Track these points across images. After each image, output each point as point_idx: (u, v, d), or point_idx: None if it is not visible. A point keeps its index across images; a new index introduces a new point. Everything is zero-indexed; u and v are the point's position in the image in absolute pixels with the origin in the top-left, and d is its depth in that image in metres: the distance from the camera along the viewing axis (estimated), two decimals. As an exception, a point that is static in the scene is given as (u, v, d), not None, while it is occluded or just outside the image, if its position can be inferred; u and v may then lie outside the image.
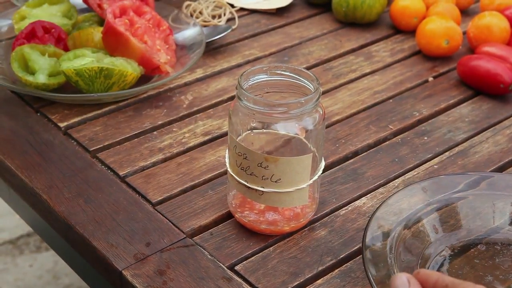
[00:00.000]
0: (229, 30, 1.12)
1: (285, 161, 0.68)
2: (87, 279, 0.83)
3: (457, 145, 0.90)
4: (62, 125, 0.91)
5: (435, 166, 0.86)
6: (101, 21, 1.04)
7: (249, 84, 0.69)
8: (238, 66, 1.07)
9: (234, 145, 0.70)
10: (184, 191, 0.80)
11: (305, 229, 0.75)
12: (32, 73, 0.94)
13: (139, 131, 0.90)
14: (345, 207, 0.79)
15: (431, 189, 0.76)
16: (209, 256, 0.71)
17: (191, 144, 0.88)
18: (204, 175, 0.83)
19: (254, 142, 0.70)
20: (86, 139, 0.88)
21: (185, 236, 0.74)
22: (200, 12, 1.21)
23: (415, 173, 0.85)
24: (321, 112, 0.70)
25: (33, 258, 1.86)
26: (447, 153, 0.89)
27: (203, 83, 1.02)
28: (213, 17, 1.20)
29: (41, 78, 0.93)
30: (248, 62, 1.08)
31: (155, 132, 0.90)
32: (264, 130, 0.68)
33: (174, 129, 0.91)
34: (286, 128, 0.68)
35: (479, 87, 1.02)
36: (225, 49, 1.10)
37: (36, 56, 0.95)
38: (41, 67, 0.94)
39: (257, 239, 0.74)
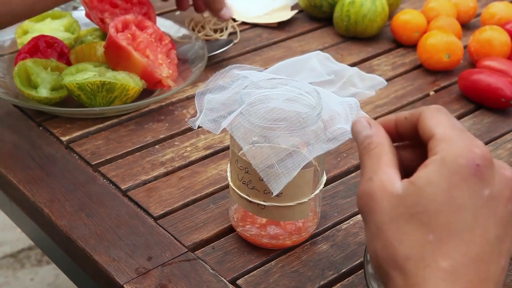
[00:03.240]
0: (231, 44, 1.12)
1: (287, 175, 0.68)
2: (89, 293, 0.82)
3: (458, 159, 0.90)
4: (64, 139, 0.91)
5: (436, 180, 0.86)
6: (103, 36, 1.05)
7: (251, 98, 0.69)
8: (240, 80, 1.07)
9: (236, 159, 0.70)
10: (186, 205, 0.80)
11: (307, 243, 0.75)
12: (35, 87, 0.95)
13: (141, 145, 0.91)
14: (347, 221, 0.79)
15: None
16: (211, 270, 0.71)
17: (192, 158, 0.88)
18: (205, 189, 0.83)
19: (256, 156, 0.70)
20: (88, 153, 0.88)
21: (186, 250, 0.74)
22: (202, 26, 1.21)
23: (416, 187, 0.85)
24: (323, 126, 0.70)
25: (34, 271, 1.85)
26: (448, 167, 0.88)
27: (205, 97, 1.02)
28: (215, 31, 1.20)
29: (44, 92, 0.93)
30: (249, 76, 1.08)
31: (157, 146, 0.91)
32: (266, 144, 0.68)
33: (176, 143, 0.91)
34: (288, 142, 0.69)
35: (480, 101, 1.02)
36: (227, 63, 1.11)
37: (39, 70, 0.96)
38: (44, 81, 0.94)
39: (259, 253, 0.74)
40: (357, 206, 0.52)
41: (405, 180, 0.50)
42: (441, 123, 0.52)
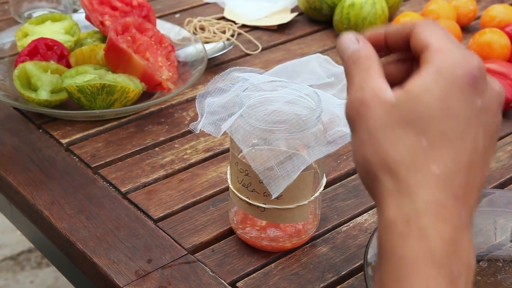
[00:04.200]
0: (231, 47, 1.12)
1: (287, 178, 0.68)
2: (88, 295, 0.82)
3: (458, 161, 0.90)
4: (64, 141, 0.91)
5: (436, 183, 0.86)
6: (103, 38, 1.05)
7: (250, 100, 0.69)
8: (240, 82, 1.07)
9: (236, 162, 0.70)
10: (186, 208, 0.80)
11: (307, 245, 0.75)
12: (35, 89, 0.95)
13: (141, 147, 0.91)
14: (347, 224, 0.79)
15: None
16: (211, 273, 0.71)
17: (192, 161, 0.88)
18: (205, 192, 0.83)
19: (255, 159, 0.70)
20: (88, 156, 0.88)
21: (186, 252, 0.74)
22: (202, 29, 1.21)
23: (416, 189, 0.84)
24: (323, 128, 0.70)
25: (34, 274, 1.85)
26: (448, 170, 0.88)
27: (204, 99, 1.02)
28: (215, 33, 1.20)
29: (44, 94, 0.93)
30: (249, 78, 1.08)
31: (156, 149, 0.91)
32: (266, 147, 0.68)
33: (175, 146, 0.91)
34: (288, 145, 0.69)
35: (480, 103, 1.02)
36: (226, 66, 1.11)
37: (39, 73, 0.96)
38: (44, 83, 0.95)
39: (259, 256, 0.74)
40: (346, 115, 0.52)
41: (397, 89, 0.50)
42: (436, 35, 0.52)
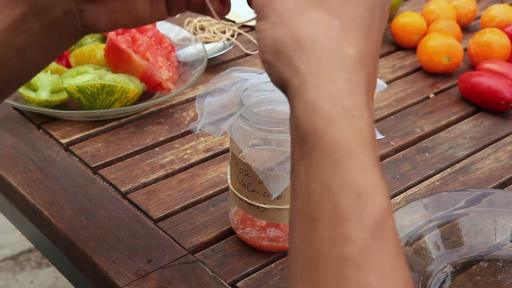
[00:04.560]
0: (231, 47, 1.12)
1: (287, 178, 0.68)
2: (88, 295, 0.82)
3: (458, 161, 0.91)
4: (64, 141, 0.91)
5: (436, 183, 0.86)
6: (103, 38, 1.05)
7: (250, 100, 0.69)
8: (240, 82, 1.07)
9: (236, 162, 0.70)
10: (186, 208, 0.80)
11: (307, 245, 0.75)
12: (34, 90, 0.95)
13: (140, 147, 0.91)
14: (347, 224, 0.79)
15: (433, 205, 0.76)
16: (211, 273, 0.71)
17: (192, 161, 0.88)
18: (205, 192, 0.83)
19: (255, 159, 0.70)
20: (88, 156, 0.88)
21: (186, 252, 0.74)
22: (202, 29, 1.21)
23: (416, 189, 0.85)
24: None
25: (34, 274, 1.85)
26: (448, 170, 0.89)
27: (204, 99, 1.02)
28: (215, 33, 1.20)
29: (43, 94, 0.93)
30: (249, 78, 1.08)
31: (156, 149, 0.91)
32: (266, 147, 0.68)
33: (175, 146, 0.91)
34: (288, 145, 0.68)
35: (480, 103, 1.02)
36: (226, 66, 1.11)
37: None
38: (43, 84, 0.95)
39: (259, 256, 0.74)
40: (254, 2, 0.51)
41: None
42: None
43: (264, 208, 0.70)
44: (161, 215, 0.79)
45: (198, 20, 1.23)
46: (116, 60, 0.97)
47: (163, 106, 0.99)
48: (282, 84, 0.49)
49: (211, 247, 0.75)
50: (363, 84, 0.47)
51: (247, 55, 1.15)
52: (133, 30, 1.00)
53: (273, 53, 0.49)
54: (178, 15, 1.26)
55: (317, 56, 0.47)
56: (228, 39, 1.18)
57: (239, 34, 1.21)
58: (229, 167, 0.73)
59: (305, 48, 0.47)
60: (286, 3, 0.49)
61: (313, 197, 0.45)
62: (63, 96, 0.95)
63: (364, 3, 0.50)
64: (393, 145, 0.93)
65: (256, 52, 1.16)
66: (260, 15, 0.50)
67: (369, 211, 0.44)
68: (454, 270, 0.71)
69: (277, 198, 0.68)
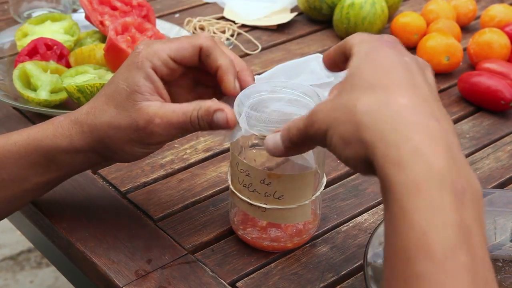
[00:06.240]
0: (230, 47, 1.12)
1: (288, 178, 0.68)
2: (88, 295, 0.82)
3: (458, 161, 0.90)
4: (63, 141, 0.91)
5: (436, 183, 0.86)
6: (103, 38, 1.05)
7: (250, 100, 0.69)
8: (240, 82, 1.07)
9: (236, 162, 0.70)
10: (186, 208, 0.80)
11: (307, 245, 0.75)
12: (34, 89, 0.95)
13: (140, 147, 0.90)
14: (347, 223, 0.79)
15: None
16: (211, 273, 0.71)
17: (192, 160, 0.88)
18: (205, 191, 0.83)
19: (256, 159, 0.70)
20: (88, 156, 0.88)
21: (186, 252, 0.74)
22: (202, 29, 1.21)
23: (416, 189, 0.84)
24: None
25: (33, 274, 1.86)
26: (448, 169, 0.88)
27: (204, 99, 1.02)
28: (214, 33, 1.20)
29: (43, 94, 0.93)
30: (249, 78, 1.08)
31: (156, 149, 0.90)
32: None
33: (175, 145, 0.91)
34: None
35: (480, 103, 1.02)
36: (226, 66, 1.11)
37: (38, 72, 0.96)
38: (43, 83, 0.94)
39: (259, 256, 0.74)
40: (313, 126, 0.56)
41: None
42: (358, 36, 0.59)
43: (265, 208, 0.70)
44: (161, 215, 0.79)
45: (198, 20, 1.23)
46: (116, 60, 0.97)
47: (162, 106, 0.99)
48: (368, 172, 0.52)
49: (211, 247, 0.75)
50: (430, 122, 0.50)
51: (247, 55, 1.15)
52: (133, 30, 1.00)
53: (357, 156, 0.52)
54: (177, 15, 1.27)
55: (373, 118, 0.51)
56: (227, 39, 1.18)
57: (238, 34, 1.21)
58: (229, 167, 0.73)
59: (357, 120, 0.52)
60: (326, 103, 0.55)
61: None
62: (63, 96, 0.95)
63: (393, 66, 0.54)
64: (393, 145, 0.93)
65: (256, 52, 1.16)
66: (325, 140, 0.55)
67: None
68: (454, 270, 0.71)
69: (278, 198, 0.68)
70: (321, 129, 0.54)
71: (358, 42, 0.58)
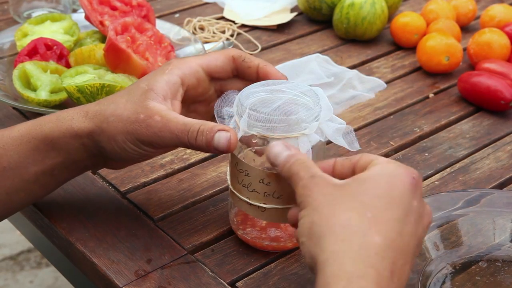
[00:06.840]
0: (230, 47, 1.12)
1: (286, 178, 0.68)
2: (88, 295, 0.82)
3: (458, 161, 0.91)
4: (63, 141, 0.91)
5: (436, 183, 0.86)
6: (103, 38, 1.05)
7: (249, 100, 0.69)
8: (239, 82, 1.07)
9: (236, 162, 0.70)
10: (185, 208, 0.80)
11: (306, 245, 0.75)
12: (34, 90, 0.95)
13: (140, 147, 0.90)
14: (346, 224, 0.79)
15: (432, 205, 0.76)
16: (210, 273, 0.71)
17: (192, 160, 0.88)
18: (205, 192, 0.83)
19: (255, 159, 0.70)
20: (88, 156, 0.88)
21: (186, 252, 0.74)
22: (202, 29, 1.21)
23: (416, 189, 0.85)
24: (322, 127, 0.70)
25: (33, 274, 1.86)
26: (448, 170, 0.89)
27: (204, 99, 1.02)
28: (214, 33, 1.20)
29: (43, 94, 0.93)
30: (249, 78, 1.08)
31: (156, 149, 0.90)
32: (266, 147, 0.68)
33: (175, 146, 0.91)
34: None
35: (480, 103, 1.02)
36: (226, 66, 1.11)
37: (38, 73, 0.96)
38: (43, 83, 0.94)
39: (258, 256, 0.74)
40: (297, 194, 0.59)
41: (344, 180, 0.58)
42: (381, 157, 0.61)
43: (264, 208, 0.70)
44: (161, 215, 0.79)
45: (198, 20, 1.23)
46: (116, 60, 0.97)
47: (162, 106, 0.99)
48: (311, 261, 0.56)
49: (210, 247, 0.75)
50: (385, 272, 0.52)
51: (247, 55, 1.15)
52: (133, 30, 1.00)
53: (308, 235, 0.56)
54: (177, 15, 1.27)
55: (345, 239, 0.54)
56: (227, 39, 1.18)
57: (238, 34, 1.21)
58: (228, 167, 0.73)
59: (335, 232, 0.54)
60: (325, 195, 0.57)
61: None
62: (63, 96, 0.95)
63: (397, 203, 0.56)
64: (392, 144, 0.93)
65: (256, 52, 1.16)
66: (302, 205, 0.58)
67: None
68: (453, 270, 0.71)
69: (277, 197, 0.68)
70: (309, 198, 0.58)
71: (381, 160, 0.60)
